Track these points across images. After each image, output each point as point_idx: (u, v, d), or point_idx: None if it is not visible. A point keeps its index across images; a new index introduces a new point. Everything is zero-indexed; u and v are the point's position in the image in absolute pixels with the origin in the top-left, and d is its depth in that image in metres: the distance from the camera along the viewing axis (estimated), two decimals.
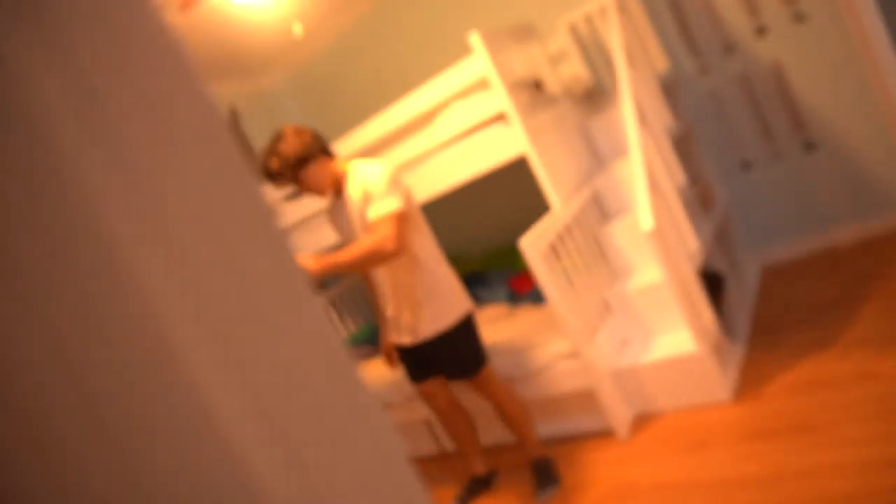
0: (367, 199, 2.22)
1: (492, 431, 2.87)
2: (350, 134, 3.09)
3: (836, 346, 2.49)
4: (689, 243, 2.68)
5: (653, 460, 2.38)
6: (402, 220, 2.16)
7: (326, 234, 3.09)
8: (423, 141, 2.88)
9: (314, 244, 3.55)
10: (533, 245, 2.48)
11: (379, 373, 3.50)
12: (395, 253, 2.13)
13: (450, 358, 2.44)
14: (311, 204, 3.28)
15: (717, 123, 3.41)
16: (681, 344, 2.55)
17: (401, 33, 4.01)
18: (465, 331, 2.43)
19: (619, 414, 2.61)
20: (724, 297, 2.95)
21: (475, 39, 2.51)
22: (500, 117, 2.66)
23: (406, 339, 2.46)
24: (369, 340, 3.99)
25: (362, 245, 2.14)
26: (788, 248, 3.46)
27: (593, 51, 3.40)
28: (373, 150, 3.19)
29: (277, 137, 2.25)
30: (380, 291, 2.46)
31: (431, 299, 2.36)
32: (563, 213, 2.73)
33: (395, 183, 2.21)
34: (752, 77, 3.24)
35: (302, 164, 2.22)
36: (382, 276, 2.38)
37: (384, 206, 2.15)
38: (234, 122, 4.24)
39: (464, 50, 2.60)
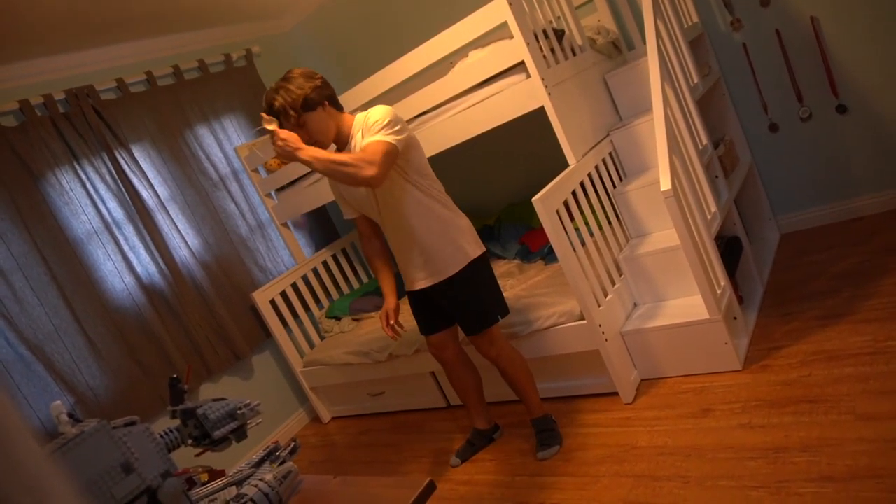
0: (363, 134, 2.17)
1: (496, 386, 2.88)
2: (366, 81, 3.00)
3: (853, 319, 2.43)
4: (708, 207, 2.60)
5: (655, 424, 2.37)
6: (390, 154, 2.10)
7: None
8: (440, 91, 2.79)
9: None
10: (546, 202, 2.42)
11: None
12: (371, 180, 2.05)
13: (467, 306, 2.40)
14: None
15: (745, 81, 3.27)
16: (692, 310, 2.50)
17: None
18: (481, 274, 2.40)
19: (625, 376, 2.59)
20: (740, 263, 2.88)
21: None
22: (518, 68, 2.56)
23: (421, 282, 2.42)
24: (378, 292, 3.99)
25: (346, 157, 2.06)
26: (811, 215, 3.36)
27: (619, 1, 3.25)
28: (389, 99, 3.10)
29: (287, 76, 2.18)
30: (392, 239, 2.41)
31: (440, 241, 2.32)
32: (580, 170, 2.65)
33: (394, 122, 2.15)
34: (786, 32, 3.07)
35: (307, 107, 2.15)
36: (393, 223, 2.34)
37: (379, 136, 2.10)
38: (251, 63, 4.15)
39: None
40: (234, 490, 1.44)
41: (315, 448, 3.62)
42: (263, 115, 2.11)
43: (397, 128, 2.14)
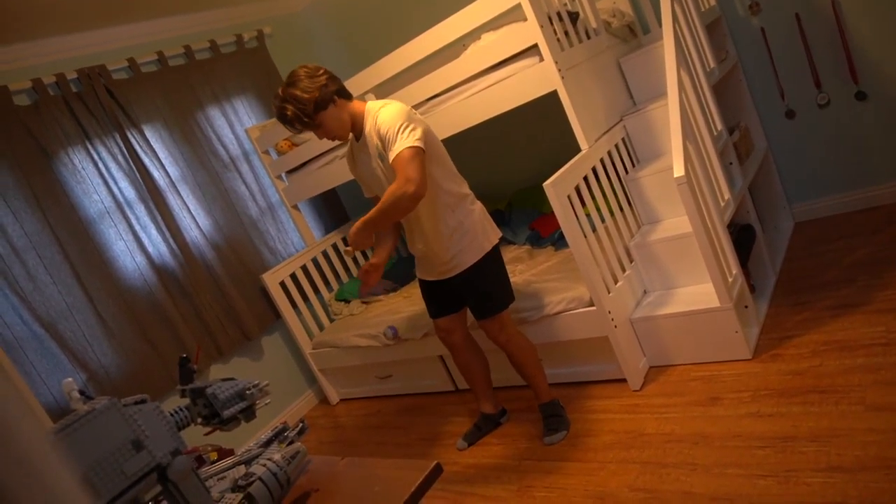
0: (383, 141, 2.15)
1: (504, 371, 2.88)
2: (378, 63, 2.97)
3: (866, 309, 2.40)
4: (722, 194, 2.57)
5: (663, 411, 2.37)
6: (419, 157, 2.09)
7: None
8: (452, 74, 2.77)
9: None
10: (558, 187, 2.40)
11: (394, 307, 3.51)
12: (419, 193, 2.07)
13: (479, 291, 2.41)
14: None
15: (762, 66, 3.21)
16: (703, 298, 2.49)
17: None
18: (493, 264, 2.40)
19: (634, 363, 2.58)
20: (752, 251, 2.85)
21: None
22: (531, 51, 2.53)
23: (435, 276, 2.44)
24: (388, 275, 4.00)
25: (387, 195, 2.10)
26: (827, 204, 3.31)
27: None
28: (401, 82, 3.08)
29: (290, 81, 2.15)
30: (408, 228, 2.42)
31: (459, 235, 2.32)
32: (592, 155, 2.62)
33: (409, 121, 2.13)
34: (805, 16, 3.01)
35: (319, 109, 2.14)
36: (409, 219, 2.34)
37: (400, 145, 2.08)
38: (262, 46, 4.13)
39: None
40: (242, 469, 1.46)
41: (323, 429, 3.65)
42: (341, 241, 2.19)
43: (411, 126, 2.10)
